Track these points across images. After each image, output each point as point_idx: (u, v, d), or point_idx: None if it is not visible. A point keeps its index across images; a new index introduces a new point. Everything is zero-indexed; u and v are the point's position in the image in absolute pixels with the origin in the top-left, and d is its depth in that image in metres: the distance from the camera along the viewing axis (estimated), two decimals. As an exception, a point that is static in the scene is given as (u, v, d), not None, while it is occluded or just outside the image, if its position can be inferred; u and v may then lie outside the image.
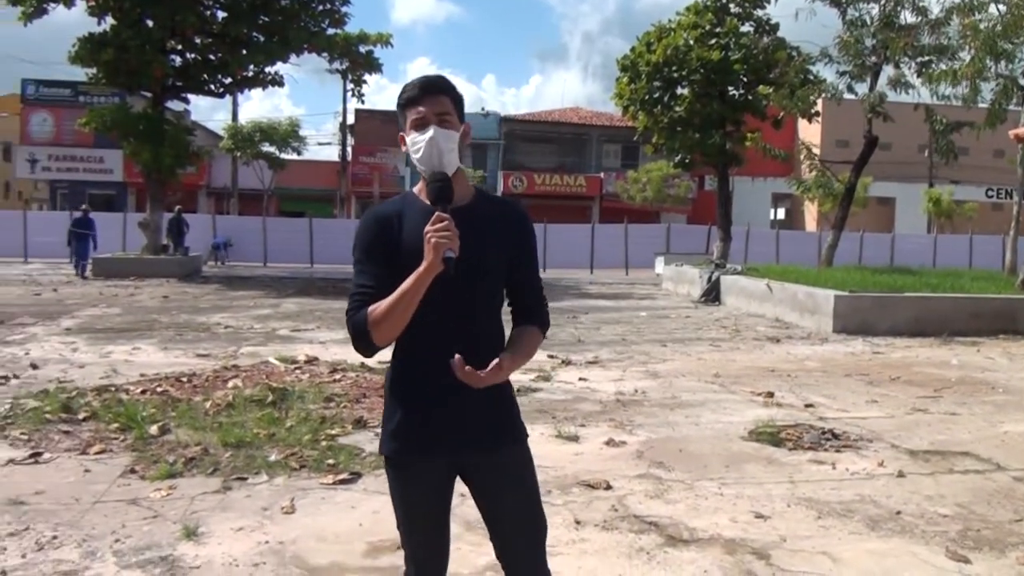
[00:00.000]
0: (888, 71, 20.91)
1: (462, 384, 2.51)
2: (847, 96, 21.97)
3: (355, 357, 10.65)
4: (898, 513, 5.45)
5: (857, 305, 15.05)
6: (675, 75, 26.52)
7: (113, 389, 8.74)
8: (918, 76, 20.24)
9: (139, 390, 8.65)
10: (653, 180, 44.22)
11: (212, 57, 28.12)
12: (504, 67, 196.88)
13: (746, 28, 26.73)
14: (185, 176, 32.22)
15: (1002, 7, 18.52)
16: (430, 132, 2.62)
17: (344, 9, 28.17)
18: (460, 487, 2.81)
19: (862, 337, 14.27)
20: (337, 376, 9.57)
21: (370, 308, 2.55)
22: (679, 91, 27.08)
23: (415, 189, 2.81)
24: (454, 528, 2.96)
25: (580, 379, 9.92)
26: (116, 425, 7.14)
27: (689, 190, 46.91)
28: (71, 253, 27.45)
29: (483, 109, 52.89)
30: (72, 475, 5.97)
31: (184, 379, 9.28)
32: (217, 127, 55.45)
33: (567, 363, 11.02)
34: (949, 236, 43.70)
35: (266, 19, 26.89)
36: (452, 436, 2.64)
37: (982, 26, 18.46)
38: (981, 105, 19.95)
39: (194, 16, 25.64)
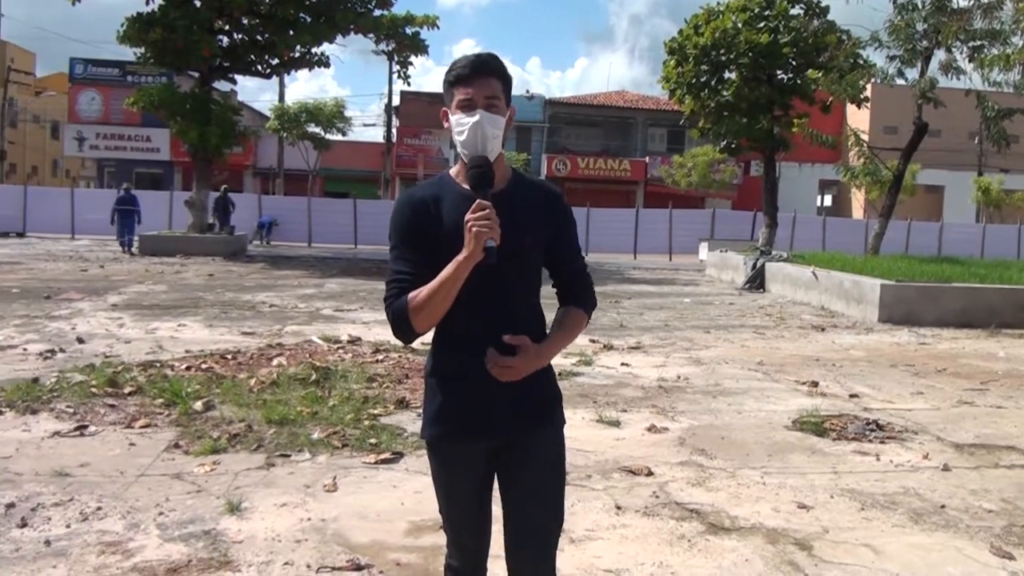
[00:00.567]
0: (939, 56, 20.55)
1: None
2: (897, 81, 21.61)
3: (398, 338, 10.71)
4: (942, 507, 5.38)
5: (903, 295, 14.86)
6: (723, 58, 26.25)
7: (158, 365, 8.86)
8: (970, 61, 19.85)
9: (184, 366, 8.76)
10: (699, 165, 43.96)
11: (259, 38, 28.25)
12: (549, 50, 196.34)
13: (796, 11, 26.35)
14: (231, 156, 32.50)
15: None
16: (476, 116, 2.56)
17: (391, -10, 28.23)
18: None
19: (908, 327, 14.09)
20: (380, 356, 9.61)
21: (410, 296, 2.53)
22: (727, 75, 26.80)
23: (452, 171, 2.75)
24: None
25: (622, 364, 9.90)
26: (161, 400, 7.25)
27: (735, 175, 46.52)
28: (117, 231, 27.79)
29: (528, 92, 52.75)
30: (117, 448, 6.06)
31: (229, 356, 9.38)
32: (264, 108, 55.89)
33: (609, 348, 11.00)
34: (998, 226, 43.05)
35: (314, 0, 26.96)
36: (490, 419, 2.63)
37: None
38: (1034, 91, 19.58)
39: (242, -4, 25.79)
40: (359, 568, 4.15)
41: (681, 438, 6.84)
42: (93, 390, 7.57)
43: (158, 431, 6.49)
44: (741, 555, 4.53)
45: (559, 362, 7.95)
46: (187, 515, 4.79)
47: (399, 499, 5.13)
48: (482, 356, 2.55)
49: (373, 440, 6.27)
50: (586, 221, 33.51)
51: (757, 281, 20.80)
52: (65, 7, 26.68)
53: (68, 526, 4.61)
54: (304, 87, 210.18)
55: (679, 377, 9.34)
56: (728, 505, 5.28)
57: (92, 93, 48.01)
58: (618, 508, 5.14)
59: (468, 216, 2.42)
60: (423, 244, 2.59)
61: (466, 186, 2.59)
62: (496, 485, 2.79)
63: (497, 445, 2.70)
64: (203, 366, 8.77)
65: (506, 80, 2.66)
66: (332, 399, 7.43)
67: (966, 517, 5.22)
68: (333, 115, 44.73)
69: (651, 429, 7.05)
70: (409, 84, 32.16)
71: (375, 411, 7.09)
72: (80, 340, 10.36)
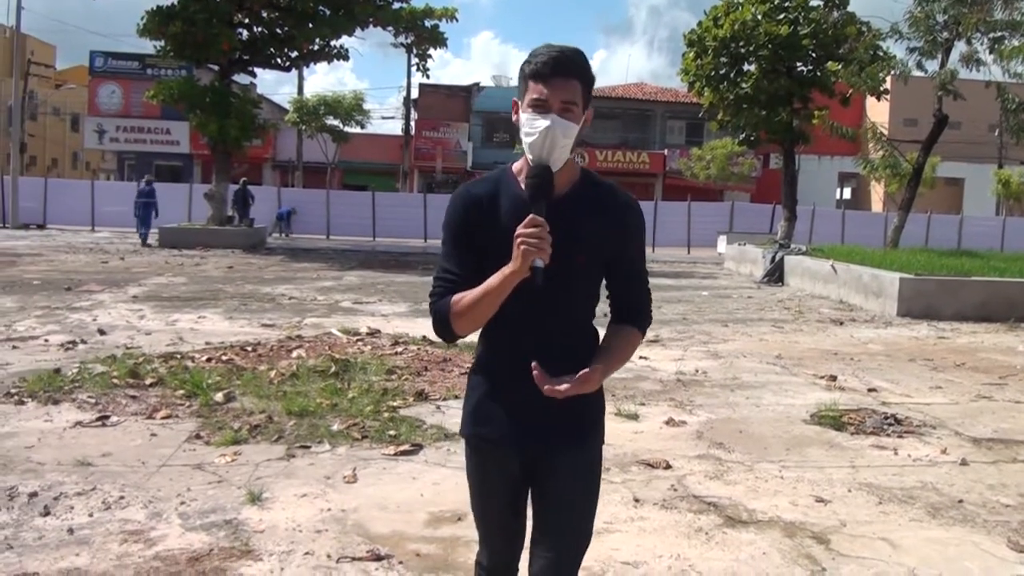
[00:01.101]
0: (960, 47, 20.43)
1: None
2: (917, 73, 21.48)
3: (417, 330, 10.79)
4: (960, 501, 5.38)
5: (922, 288, 14.80)
6: (742, 50, 26.08)
7: (179, 356, 8.93)
8: (990, 53, 19.73)
9: (204, 358, 8.83)
10: (717, 158, 43.80)
11: (279, 31, 28.41)
12: (568, 41, 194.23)
13: (816, 2, 26.15)
14: (251, 149, 32.65)
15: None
16: (547, 121, 2.35)
17: (410, -17, 28.30)
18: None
19: (927, 321, 14.04)
20: (399, 349, 9.66)
21: (454, 298, 2.44)
22: (746, 67, 26.65)
23: (515, 166, 2.57)
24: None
25: (640, 357, 9.90)
26: (182, 391, 7.32)
27: (753, 168, 46.35)
28: (136, 223, 27.99)
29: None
30: (139, 438, 6.12)
31: (249, 348, 9.44)
32: (283, 100, 56.16)
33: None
34: (1018, 219, 42.78)
35: (333, -7, 27.07)
36: (525, 430, 2.52)
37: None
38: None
39: (261, -11, 25.90)
40: (379, 558, 4.19)
41: (699, 431, 6.86)
42: (114, 381, 7.64)
43: (179, 422, 6.55)
44: (758, 548, 4.54)
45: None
46: (208, 505, 4.84)
47: (418, 490, 5.17)
48: (524, 366, 2.41)
49: (392, 432, 6.31)
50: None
51: (776, 274, 20.75)
52: (85, 0, 26.79)
53: (91, 515, 4.67)
54: (323, 80, 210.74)
55: (697, 371, 9.35)
56: (746, 498, 5.30)
57: (112, 86, 48.24)
58: (636, 501, 5.16)
59: (519, 230, 2.28)
60: (473, 244, 2.48)
61: (524, 189, 2.44)
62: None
63: (532, 456, 2.58)
64: (223, 358, 8.84)
65: (587, 82, 2.44)
66: (352, 391, 7.47)
67: (983, 512, 5.22)
68: (352, 108, 44.85)
69: (669, 422, 7.06)
70: (428, 77, 32.25)
71: (394, 403, 7.14)
72: (101, 331, 10.45)
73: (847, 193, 54.43)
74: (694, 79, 27.36)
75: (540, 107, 2.37)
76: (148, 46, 28.85)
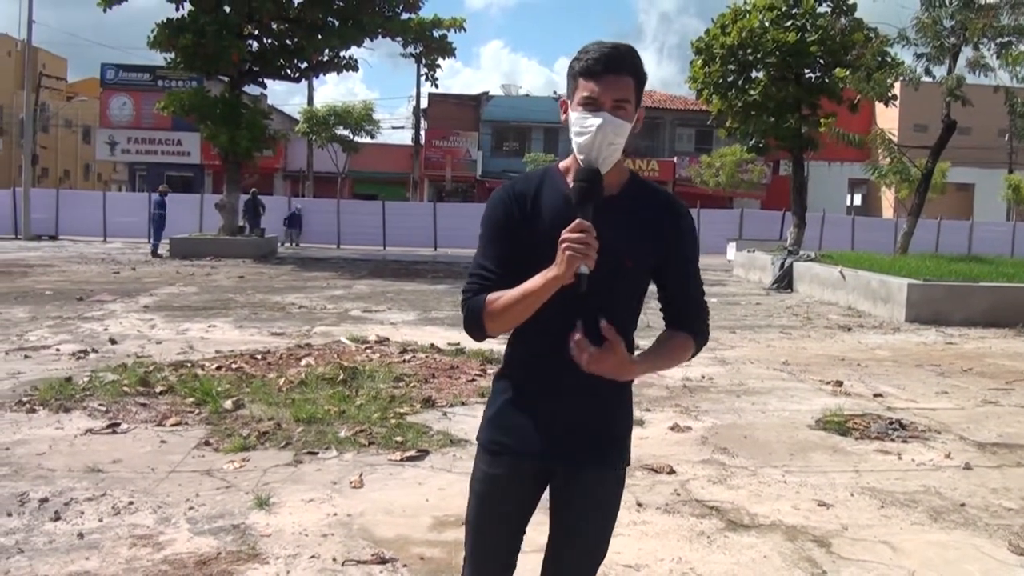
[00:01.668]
0: (967, 53, 20.45)
1: (573, 389, 2.34)
2: (925, 79, 21.49)
3: (425, 338, 10.85)
4: (962, 505, 5.42)
5: (931, 294, 14.81)
6: (750, 58, 26.16)
7: (189, 365, 9.02)
8: (997, 58, 19.74)
9: (215, 366, 8.92)
10: (727, 165, 43.85)
11: (288, 42, 28.58)
12: (578, 49, 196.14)
13: (823, 9, 26.23)
14: (262, 159, 32.81)
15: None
16: (599, 119, 2.25)
17: (418, -6, 28.46)
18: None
19: (935, 327, 14.04)
20: (407, 357, 9.72)
21: (489, 298, 2.33)
22: (754, 74, 26.72)
23: (562, 164, 2.46)
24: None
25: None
26: (192, 399, 7.40)
27: (763, 175, 46.34)
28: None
29: (555, 93, 52.75)
30: (148, 445, 6.20)
31: (258, 356, 9.52)
32: (293, 111, 56.32)
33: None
34: (1028, 224, 42.63)
35: (341, 4, 27.29)
36: (552, 443, 2.41)
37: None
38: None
39: (271, 1, 26.07)
40: (383, 561, 4.25)
41: (704, 437, 6.90)
42: (125, 389, 7.73)
43: (189, 429, 6.63)
44: (760, 551, 4.59)
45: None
46: (216, 510, 4.91)
47: (424, 495, 5.23)
48: (557, 375, 2.36)
49: (399, 438, 6.37)
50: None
51: (785, 281, 20.76)
52: (96, 13, 27.05)
53: (100, 520, 4.75)
54: (333, 90, 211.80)
55: (703, 377, 9.38)
56: (748, 503, 5.34)
57: (123, 98, 48.53)
58: (639, 505, 5.21)
59: (564, 235, 2.17)
60: (513, 243, 2.37)
61: (571, 190, 2.31)
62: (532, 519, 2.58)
63: (551, 473, 2.48)
64: (233, 366, 8.92)
65: (640, 79, 2.34)
66: (359, 398, 7.54)
67: (985, 515, 5.25)
68: (362, 118, 45.05)
69: (674, 428, 7.11)
70: (436, 87, 32.39)
71: (401, 410, 7.20)
72: (112, 341, 10.54)
73: (858, 199, 54.36)
74: (702, 87, 27.44)
75: (591, 105, 2.28)
76: (159, 58, 29.11)
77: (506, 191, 2.44)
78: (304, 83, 41.01)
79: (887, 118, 40.28)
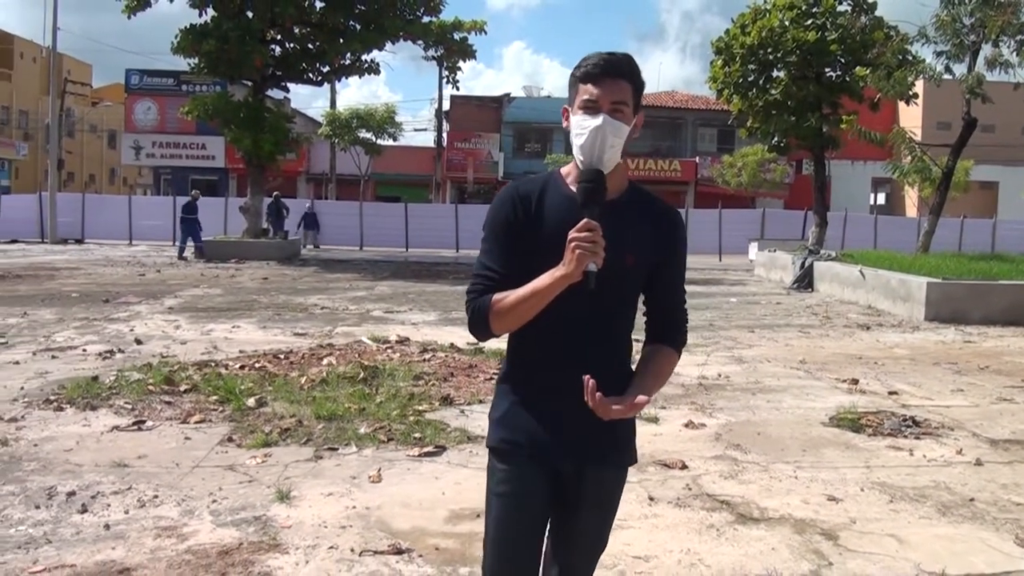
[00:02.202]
0: (987, 50, 20.38)
1: (576, 389, 2.32)
2: (945, 77, 21.43)
3: (445, 338, 10.99)
4: (971, 500, 5.49)
5: (950, 293, 14.81)
6: (770, 57, 26.14)
7: (213, 364, 9.20)
8: (1017, 55, 19.67)
9: (238, 365, 9.10)
10: (749, 164, 43.75)
11: (310, 46, 28.81)
12: (600, 50, 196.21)
13: (843, 7, 26.16)
14: (285, 162, 33.04)
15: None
16: (599, 120, 2.34)
17: (439, -3, 28.62)
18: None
19: (954, 326, 14.04)
20: (427, 356, 9.86)
21: (495, 298, 2.38)
22: (774, 73, 26.71)
23: (563, 170, 2.54)
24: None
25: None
26: (215, 397, 7.57)
27: (786, 174, 46.19)
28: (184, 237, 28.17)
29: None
30: (173, 442, 6.37)
31: (281, 356, 9.69)
32: (316, 114, 56.73)
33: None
34: (1052, 222, 42.30)
35: (363, 8, 27.47)
36: (557, 443, 2.45)
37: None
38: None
39: (293, 7, 26.29)
40: (400, 552, 4.38)
41: (717, 434, 6.99)
42: (150, 388, 7.91)
43: (212, 426, 6.79)
44: (768, 544, 4.68)
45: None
46: (239, 503, 5.07)
47: (440, 489, 5.36)
48: (561, 374, 2.40)
49: (417, 435, 6.51)
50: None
51: (805, 280, 20.77)
52: (120, 19, 27.44)
53: (126, 512, 4.91)
54: (356, 93, 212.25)
55: (720, 375, 9.47)
56: (759, 497, 5.44)
57: (148, 103, 48.95)
58: (651, 499, 5.31)
59: (572, 234, 2.24)
60: (517, 243, 2.43)
61: (574, 188, 2.41)
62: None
63: (558, 471, 2.50)
64: (256, 365, 9.09)
65: (638, 85, 2.44)
66: (379, 396, 7.69)
67: (994, 510, 5.32)
68: (384, 120, 45.26)
69: (688, 425, 7.20)
70: (458, 89, 32.56)
71: (420, 407, 7.34)
72: (138, 341, 10.74)
73: (881, 198, 54.09)
74: (722, 86, 27.45)
75: (591, 108, 2.37)
76: (182, 63, 29.34)
77: (510, 192, 2.51)
78: (327, 86, 41.31)
79: (910, 116, 40.16)
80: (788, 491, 5.57)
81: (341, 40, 27.53)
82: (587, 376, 2.29)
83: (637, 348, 2.61)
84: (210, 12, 27.16)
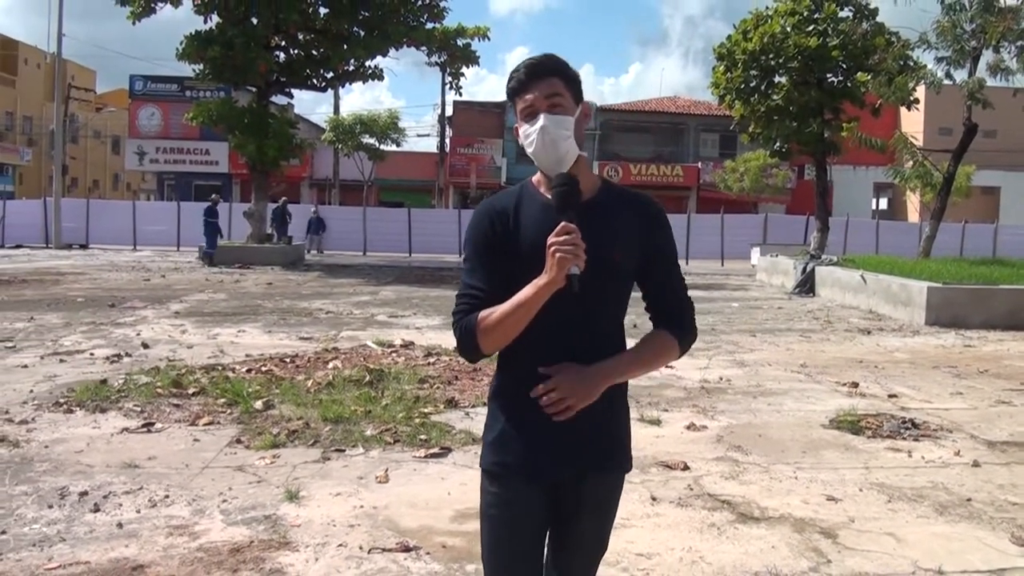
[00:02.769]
0: (988, 56, 20.49)
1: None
2: (946, 83, 21.52)
3: (449, 342, 11.04)
4: (968, 500, 5.57)
5: (950, 297, 14.91)
6: (772, 63, 26.25)
7: (220, 368, 9.31)
8: (1017, 61, 19.76)
9: (245, 369, 9.20)
10: (751, 170, 43.87)
11: (315, 52, 28.92)
12: (603, 56, 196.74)
13: (844, 14, 26.29)
14: (288, 168, 33.15)
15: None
16: (540, 121, 2.34)
17: (443, 4, 28.79)
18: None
19: (955, 330, 14.14)
20: (431, 360, 9.96)
21: (481, 315, 2.34)
22: (776, 79, 26.83)
23: (533, 179, 2.51)
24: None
25: (666, 367, 10.11)
26: (223, 400, 7.68)
27: (788, 179, 46.28)
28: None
29: (590, 102, 52.83)
30: (182, 443, 6.48)
31: (287, 360, 9.80)
32: (319, 120, 56.75)
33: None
34: (1054, 228, 42.34)
35: (367, 14, 27.57)
36: (555, 456, 2.41)
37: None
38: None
39: (297, 13, 26.44)
40: (408, 549, 4.48)
41: (719, 435, 7.09)
42: (159, 391, 8.02)
43: (221, 428, 6.89)
44: (768, 542, 4.78)
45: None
46: (249, 502, 5.17)
47: (446, 489, 5.45)
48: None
49: (423, 436, 6.62)
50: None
51: (807, 285, 20.86)
52: (123, 26, 27.68)
53: (138, 511, 5.01)
54: (358, 98, 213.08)
55: (721, 379, 9.56)
56: (759, 497, 5.53)
57: (152, 108, 49.13)
58: (653, 499, 5.41)
59: (551, 240, 2.21)
60: (497, 258, 2.39)
61: (548, 195, 2.38)
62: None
63: (557, 484, 2.48)
64: (263, 369, 9.20)
65: (568, 77, 2.42)
66: (385, 399, 7.79)
67: (990, 509, 5.41)
68: (387, 126, 45.41)
69: (690, 427, 7.30)
70: (461, 94, 32.71)
71: (426, 410, 7.44)
72: (145, 345, 10.84)
73: (883, 203, 54.00)
74: (724, 92, 27.57)
75: (530, 114, 2.38)
76: (186, 69, 29.48)
77: (486, 208, 2.48)
78: (330, 92, 41.46)
79: (911, 122, 40.20)
80: (788, 491, 5.66)
81: (345, 46, 27.70)
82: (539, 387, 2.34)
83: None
84: (215, 19, 27.33)
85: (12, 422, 6.95)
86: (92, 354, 10.21)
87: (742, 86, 26.88)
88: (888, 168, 25.72)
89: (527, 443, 2.42)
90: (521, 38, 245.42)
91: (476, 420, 7.19)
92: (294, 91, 31.64)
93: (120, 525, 4.78)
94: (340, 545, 4.53)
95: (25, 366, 9.37)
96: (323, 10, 28.06)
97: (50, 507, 5.03)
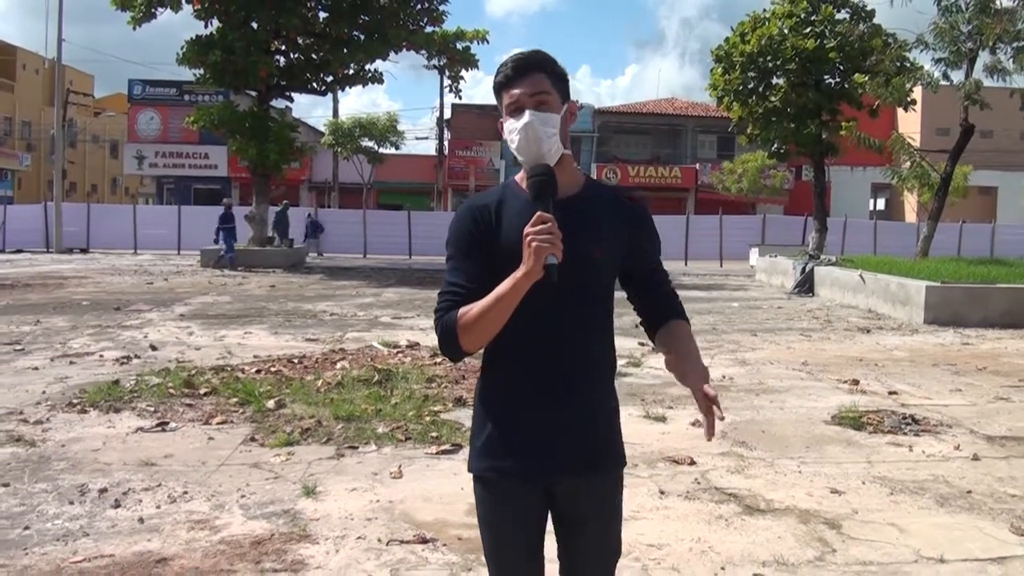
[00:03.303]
0: (984, 57, 20.65)
1: (556, 401, 2.35)
2: (943, 84, 21.67)
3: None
4: (968, 492, 5.70)
5: (948, 296, 15.05)
6: (770, 65, 26.40)
7: (230, 368, 9.44)
8: (1013, 62, 19.92)
9: (254, 370, 9.33)
10: (749, 171, 44.01)
11: (315, 56, 29.09)
12: (600, 57, 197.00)
13: (842, 15, 26.46)
14: (288, 171, 33.26)
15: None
16: (525, 117, 2.33)
17: (442, 8, 28.93)
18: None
19: (953, 328, 14.28)
20: (438, 359, 10.06)
21: (460, 311, 2.30)
22: (774, 81, 26.97)
23: (517, 177, 2.48)
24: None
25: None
26: (235, 399, 7.81)
27: (786, 180, 46.42)
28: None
29: (577, 101, 52.78)
30: (197, 442, 6.60)
31: (295, 360, 9.93)
32: (317, 123, 57.04)
33: (657, 351, 11.33)
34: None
35: (366, 18, 27.74)
36: (546, 458, 2.38)
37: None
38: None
39: (297, 18, 26.54)
40: (425, 541, 4.60)
41: (723, 432, 7.18)
42: (171, 391, 8.15)
43: (234, 427, 7.02)
44: (774, 532, 4.90)
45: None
46: (267, 497, 5.29)
47: (459, 484, 5.56)
48: (541, 386, 2.35)
49: (434, 434, 6.75)
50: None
51: (806, 285, 20.99)
52: (121, 30, 27.81)
53: (158, 507, 5.13)
54: (355, 101, 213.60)
55: (724, 377, 9.68)
56: (765, 490, 5.66)
57: (151, 113, 49.29)
58: (661, 493, 5.53)
59: (527, 229, 2.18)
60: (481, 255, 2.36)
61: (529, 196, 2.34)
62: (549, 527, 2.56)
63: (550, 485, 2.45)
64: (272, 369, 9.33)
65: (556, 74, 2.42)
66: (394, 398, 7.92)
67: (990, 501, 5.53)
68: (386, 129, 45.60)
69: (695, 424, 7.40)
70: (460, 97, 32.87)
71: (435, 408, 7.57)
72: (153, 347, 10.97)
73: (881, 204, 54.30)
74: (723, 94, 27.72)
75: (515, 109, 2.37)
76: (185, 73, 29.64)
77: (468, 206, 2.47)
78: (326, 95, 41.61)
79: (909, 122, 40.39)
80: (793, 484, 5.79)
81: (345, 50, 27.82)
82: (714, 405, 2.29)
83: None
84: (215, 23, 27.43)
85: (27, 422, 7.07)
86: (101, 356, 10.33)
87: (740, 88, 27.03)
88: (886, 168, 25.89)
89: (516, 446, 2.39)
90: (517, 40, 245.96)
91: (485, 418, 7.29)
92: (293, 95, 31.79)
93: (141, 520, 4.90)
94: (359, 537, 4.66)
95: (36, 368, 9.49)
96: (323, 14, 28.21)
97: (71, 503, 5.15)
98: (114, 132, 68.47)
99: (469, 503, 5.19)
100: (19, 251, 34.13)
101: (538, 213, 2.20)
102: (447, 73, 31.44)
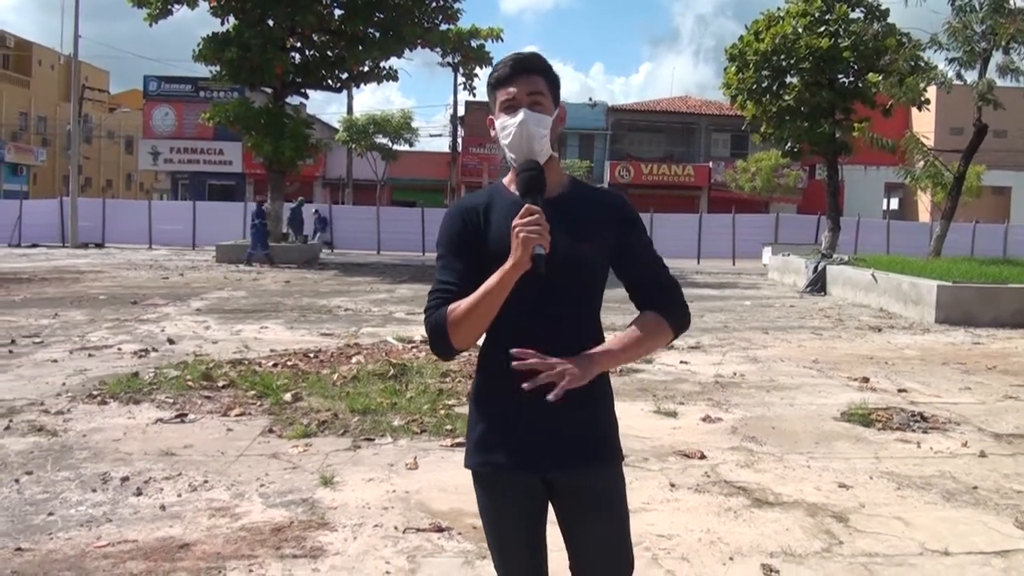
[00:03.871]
0: (998, 57, 20.66)
1: (546, 388, 2.28)
2: (956, 83, 21.68)
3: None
4: (974, 488, 5.78)
5: (960, 296, 15.09)
6: (784, 64, 26.45)
7: (247, 362, 9.58)
8: (1025, 62, 19.96)
9: (271, 363, 9.46)
10: (762, 169, 43.99)
11: (330, 53, 29.24)
12: (613, 55, 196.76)
13: (856, 14, 26.48)
14: (303, 167, 33.40)
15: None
16: (520, 115, 2.38)
17: (457, 5, 29.06)
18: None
19: (964, 328, 14.33)
20: (451, 355, 10.16)
21: (450, 308, 2.33)
22: (788, 80, 27.02)
23: (505, 179, 2.55)
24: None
25: (681, 362, 10.35)
26: (253, 392, 7.95)
27: (799, 179, 46.37)
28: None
29: (590, 99, 53.03)
30: (216, 433, 6.73)
31: (311, 355, 10.06)
32: (331, 119, 57.12)
33: (669, 347, 11.43)
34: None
35: (381, 16, 27.86)
36: (538, 452, 2.40)
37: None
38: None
39: (313, 15, 26.72)
40: (440, 530, 4.72)
41: (734, 427, 7.30)
42: (189, 383, 8.29)
43: (252, 419, 7.15)
44: (782, 524, 5.00)
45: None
46: (286, 487, 5.42)
47: (473, 476, 5.68)
48: (529, 378, 2.30)
49: (449, 426, 6.86)
50: (649, 226, 33.51)
51: (818, 284, 21.03)
52: (136, 26, 27.99)
53: (179, 495, 5.26)
54: (369, 98, 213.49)
55: (735, 374, 9.77)
56: (773, 484, 5.75)
57: (166, 108, 49.57)
58: (672, 485, 5.63)
59: (515, 221, 2.23)
60: (469, 255, 2.41)
61: (517, 193, 2.39)
62: (551, 519, 2.58)
63: (548, 482, 2.49)
64: (288, 363, 9.46)
65: (551, 78, 2.48)
66: (409, 392, 8.04)
67: (996, 496, 5.62)
68: (400, 126, 45.74)
69: (706, 419, 7.52)
70: (474, 95, 32.99)
71: (449, 402, 7.69)
72: (170, 341, 11.11)
73: (894, 203, 54.18)
74: (736, 92, 27.78)
75: (510, 107, 2.41)
76: (200, 69, 29.77)
77: (458, 207, 2.52)
78: (342, 92, 41.78)
79: (923, 122, 40.33)
80: (801, 479, 5.88)
81: (360, 47, 27.99)
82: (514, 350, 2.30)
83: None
84: (231, 20, 27.61)
85: (48, 413, 7.21)
86: (120, 349, 10.48)
87: (754, 87, 27.09)
88: (899, 168, 25.88)
89: (511, 440, 2.42)
90: (531, 37, 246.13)
91: (498, 412, 7.40)
92: (309, 92, 31.94)
93: (163, 507, 5.03)
94: (376, 525, 4.78)
95: (55, 360, 9.64)
96: (338, 12, 28.39)
97: (93, 491, 5.28)
98: (129, 128, 68.84)
99: (483, 494, 5.32)
100: (35, 245, 34.36)
101: (526, 206, 2.25)
102: (461, 70, 31.60)
